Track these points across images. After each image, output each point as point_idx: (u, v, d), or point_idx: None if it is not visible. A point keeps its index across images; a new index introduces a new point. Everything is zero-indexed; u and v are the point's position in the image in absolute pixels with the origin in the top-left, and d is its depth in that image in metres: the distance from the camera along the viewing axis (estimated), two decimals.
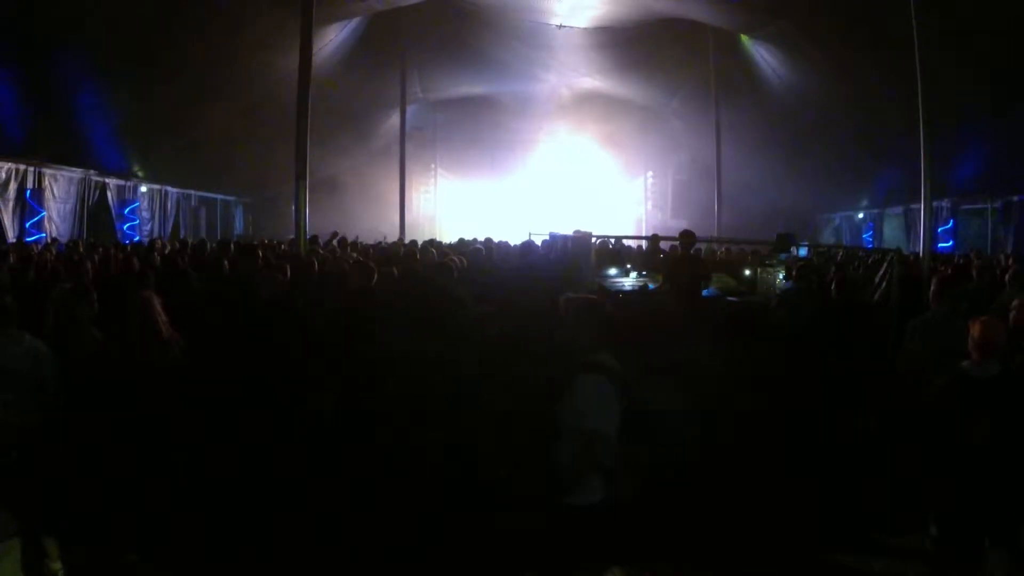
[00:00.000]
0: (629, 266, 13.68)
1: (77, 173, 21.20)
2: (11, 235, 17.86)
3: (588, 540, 4.44)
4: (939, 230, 22.75)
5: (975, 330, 5.25)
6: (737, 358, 7.89)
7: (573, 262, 11.52)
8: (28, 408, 5.27)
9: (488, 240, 17.45)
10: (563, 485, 4.49)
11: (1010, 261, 14.82)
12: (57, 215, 20.30)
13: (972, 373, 5.20)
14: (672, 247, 14.02)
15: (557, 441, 4.55)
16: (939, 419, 5.22)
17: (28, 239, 17.99)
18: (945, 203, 23.18)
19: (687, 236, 11.15)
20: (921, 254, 14.84)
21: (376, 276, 7.97)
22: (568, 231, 13.72)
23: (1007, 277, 9.76)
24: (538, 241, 17.26)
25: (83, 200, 21.66)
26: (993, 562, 5.12)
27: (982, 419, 5.01)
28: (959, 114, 18.38)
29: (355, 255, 13.34)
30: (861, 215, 30.57)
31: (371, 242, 19.69)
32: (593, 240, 12.06)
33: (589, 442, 4.40)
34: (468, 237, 19.88)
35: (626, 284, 12.60)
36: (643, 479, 4.99)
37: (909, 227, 25.19)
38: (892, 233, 27.27)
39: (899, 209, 26.67)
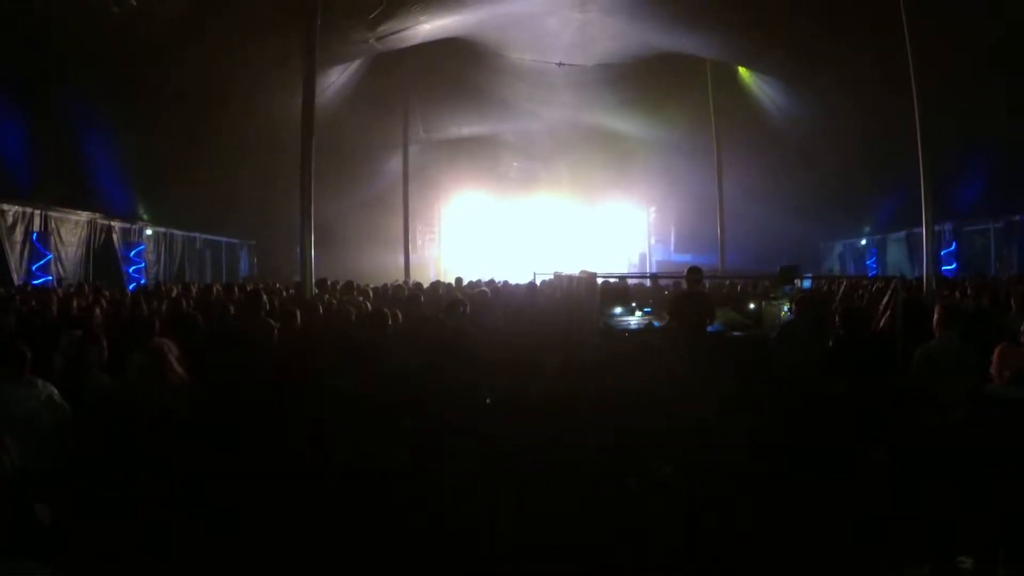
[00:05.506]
0: (634, 304, 13.70)
1: (83, 216, 21.34)
2: (18, 278, 17.95)
3: None
4: (942, 253, 22.81)
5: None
6: (736, 393, 7.90)
7: (578, 304, 11.58)
8: (44, 454, 5.26)
9: (492, 282, 17.47)
10: None
11: (1015, 281, 14.85)
12: (63, 258, 20.39)
13: (1008, 396, 5.09)
14: (677, 283, 14.07)
15: None
16: (975, 450, 5.10)
17: (35, 282, 18.09)
18: (947, 226, 23.27)
19: (694, 273, 11.16)
20: (924, 278, 14.91)
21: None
22: (572, 269, 13.76)
23: (1012, 300, 9.74)
24: (542, 280, 17.31)
25: (89, 243, 21.78)
26: None
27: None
28: (958, 137, 18.50)
29: (362, 299, 13.36)
30: (864, 241, 30.63)
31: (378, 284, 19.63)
32: (598, 280, 12.07)
33: None
34: (471, 277, 19.82)
35: (632, 323, 12.62)
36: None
37: (912, 251, 25.14)
38: (896, 258, 27.33)
39: (902, 234, 26.75)
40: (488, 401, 7.50)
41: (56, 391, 5.58)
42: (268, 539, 5.60)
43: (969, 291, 13.20)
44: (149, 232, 25.12)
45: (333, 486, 6.25)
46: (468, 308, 9.52)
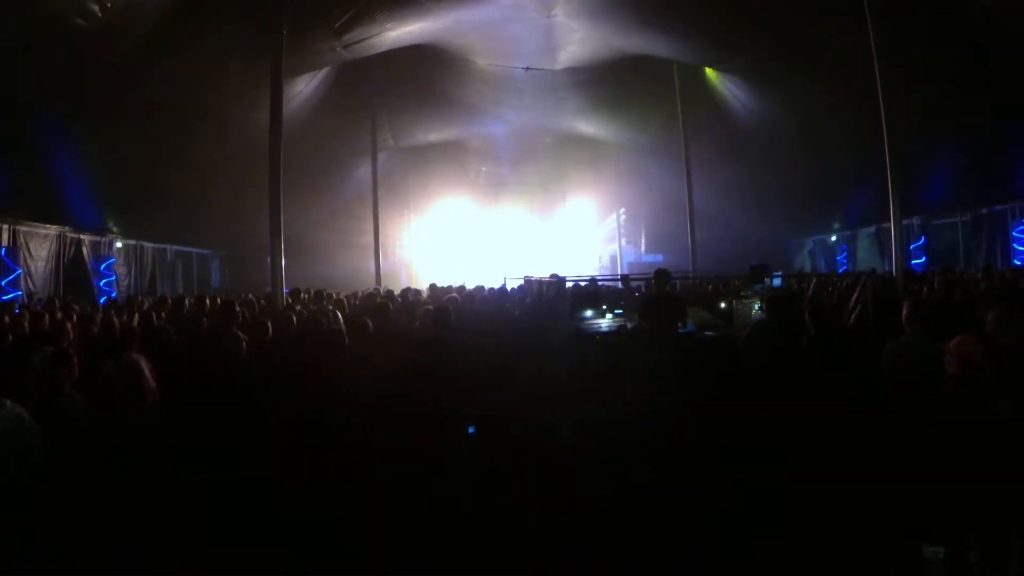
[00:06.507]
0: (605, 307, 13.73)
1: (52, 230, 21.13)
2: None
3: None
4: (911, 247, 23.09)
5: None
6: (707, 392, 7.94)
7: (548, 308, 11.58)
8: (13, 476, 5.21)
9: (462, 288, 17.47)
10: None
11: (979, 276, 15.04)
12: (33, 273, 20.19)
13: None
14: (648, 285, 14.13)
15: None
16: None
17: (4, 297, 17.92)
18: (916, 220, 23.52)
19: (661, 275, 11.21)
20: (894, 273, 15.07)
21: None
22: (543, 273, 13.77)
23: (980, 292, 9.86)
24: (513, 284, 17.31)
25: (59, 257, 21.57)
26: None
27: None
28: (924, 132, 18.70)
29: (331, 308, 13.32)
30: (834, 238, 30.83)
31: (349, 292, 19.57)
32: (567, 284, 12.09)
33: None
34: (443, 282, 19.80)
35: (603, 326, 12.64)
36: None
37: (882, 246, 25.41)
38: (866, 253, 27.52)
39: (871, 229, 26.96)
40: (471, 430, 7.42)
41: (25, 412, 5.48)
42: (251, 556, 5.59)
43: (936, 285, 13.33)
44: (119, 245, 24.91)
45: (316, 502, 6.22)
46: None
